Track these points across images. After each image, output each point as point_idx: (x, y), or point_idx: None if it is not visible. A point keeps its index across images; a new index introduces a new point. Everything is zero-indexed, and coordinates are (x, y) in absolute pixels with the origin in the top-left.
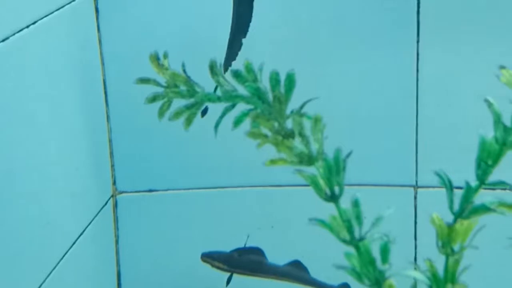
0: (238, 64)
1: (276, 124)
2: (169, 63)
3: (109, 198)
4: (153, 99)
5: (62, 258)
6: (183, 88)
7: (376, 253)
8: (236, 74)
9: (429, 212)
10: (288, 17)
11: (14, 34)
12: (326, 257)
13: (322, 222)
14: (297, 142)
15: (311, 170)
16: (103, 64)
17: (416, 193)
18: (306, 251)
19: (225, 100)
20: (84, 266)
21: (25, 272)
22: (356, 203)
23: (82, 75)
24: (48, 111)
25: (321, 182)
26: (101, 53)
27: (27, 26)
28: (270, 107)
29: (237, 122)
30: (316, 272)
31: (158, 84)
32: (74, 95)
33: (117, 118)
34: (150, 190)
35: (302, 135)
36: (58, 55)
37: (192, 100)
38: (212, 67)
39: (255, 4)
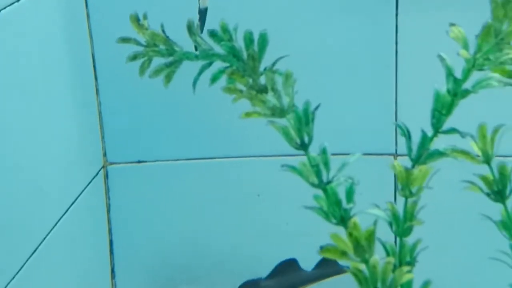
0: (214, 24)
1: (250, 80)
2: (150, 23)
3: (100, 169)
4: (134, 57)
5: (55, 226)
6: (162, 47)
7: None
8: (212, 34)
9: None
10: None
11: (4, 8)
12: (310, 222)
13: (293, 168)
14: (270, 96)
15: (283, 122)
16: (91, 39)
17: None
18: (291, 218)
19: (202, 58)
20: (77, 234)
21: (19, 239)
22: (324, 151)
23: (71, 50)
24: (39, 85)
25: (292, 132)
26: (89, 28)
27: (17, 0)
28: (244, 64)
29: (214, 78)
30: (302, 240)
31: (138, 43)
32: (64, 70)
33: (106, 91)
34: (140, 161)
35: (274, 89)
36: (48, 28)
37: (171, 58)
38: (190, 27)
39: None
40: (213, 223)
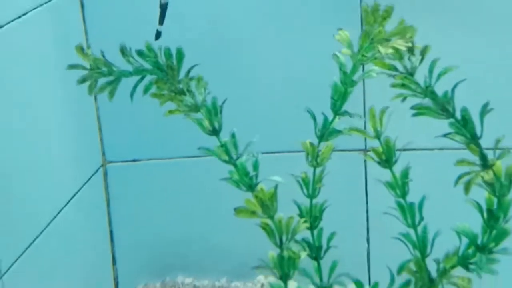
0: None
1: (171, 86)
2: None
3: (100, 167)
4: (83, 80)
5: (57, 215)
6: (103, 69)
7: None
8: (140, 53)
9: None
10: None
11: (7, 24)
12: None
13: (208, 150)
14: (187, 97)
15: (198, 115)
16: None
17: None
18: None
19: (135, 74)
20: (79, 223)
21: (21, 228)
22: (233, 135)
23: (68, 62)
24: (43, 94)
25: (205, 122)
26: (86, 37)
27: (19, 17)
28: (166, 74)
29: (146, 89)
30: None
31: (84, 68)
32: (64, 77)
33: (103, 97)
34: (135, 160)
35: (189, 91)
36: (48, 43)
37: (111, 77)
38: (123, 51)
39: None
40: (205, 215)
